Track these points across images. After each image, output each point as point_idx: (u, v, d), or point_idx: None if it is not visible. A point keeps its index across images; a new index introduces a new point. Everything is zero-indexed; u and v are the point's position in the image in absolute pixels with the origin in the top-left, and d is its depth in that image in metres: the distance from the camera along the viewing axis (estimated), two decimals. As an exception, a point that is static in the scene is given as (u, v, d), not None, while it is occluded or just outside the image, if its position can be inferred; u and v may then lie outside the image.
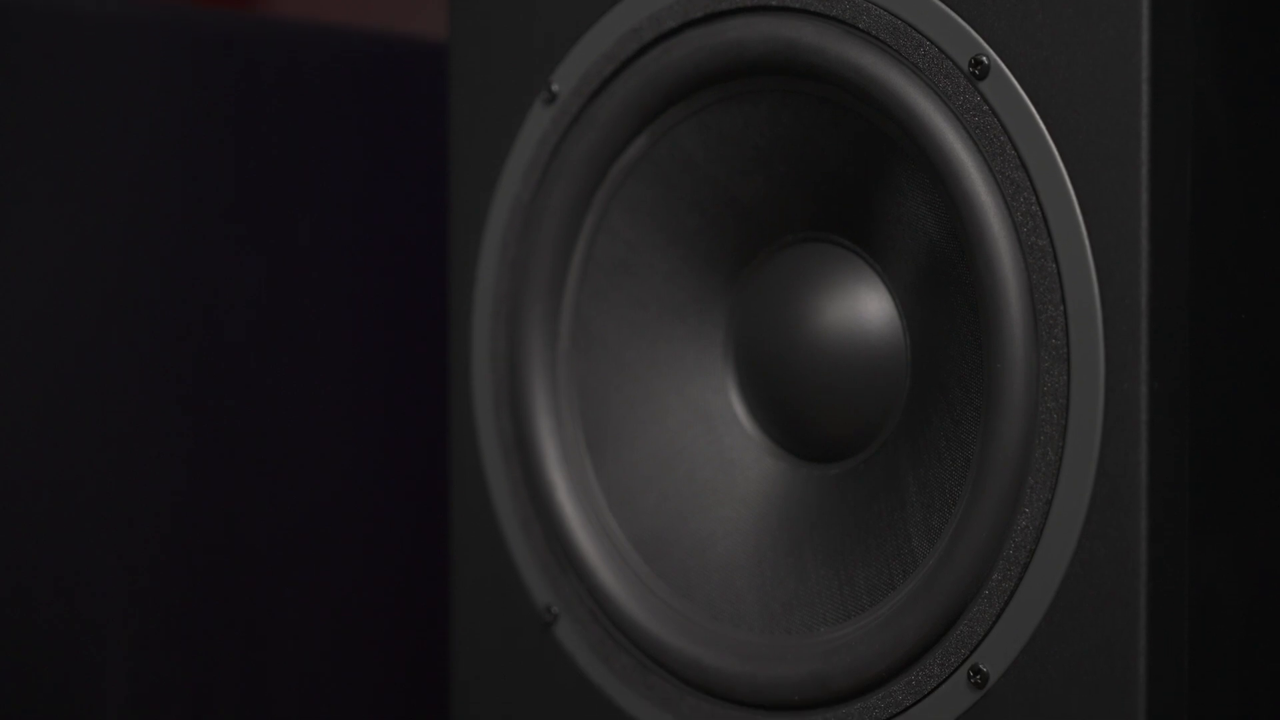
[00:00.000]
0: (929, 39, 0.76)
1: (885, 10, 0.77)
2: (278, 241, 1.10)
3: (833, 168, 0.82)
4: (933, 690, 0.78)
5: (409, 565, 1.16)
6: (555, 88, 0.87)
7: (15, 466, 1.00)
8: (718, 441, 0.86)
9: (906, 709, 0.78)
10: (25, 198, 0.99)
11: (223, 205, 1.08)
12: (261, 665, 1.09)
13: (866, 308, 0.82)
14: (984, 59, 0.75)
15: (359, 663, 1.13)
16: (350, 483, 1.13)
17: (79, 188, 1.02)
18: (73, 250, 1.01)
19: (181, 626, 1.06)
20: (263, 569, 1.10)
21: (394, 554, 1.16)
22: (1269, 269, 0.78)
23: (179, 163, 1.06)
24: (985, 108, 0.75)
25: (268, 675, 1.10)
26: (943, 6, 0.76)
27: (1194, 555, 0.74)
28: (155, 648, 1.05)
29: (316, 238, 1.12)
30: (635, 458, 0.87)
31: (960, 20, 0.76)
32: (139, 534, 1.04)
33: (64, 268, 1.01)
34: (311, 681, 1.11)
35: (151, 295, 1.05)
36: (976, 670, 0.76)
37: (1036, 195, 0.74)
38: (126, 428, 1.04)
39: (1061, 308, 0.73)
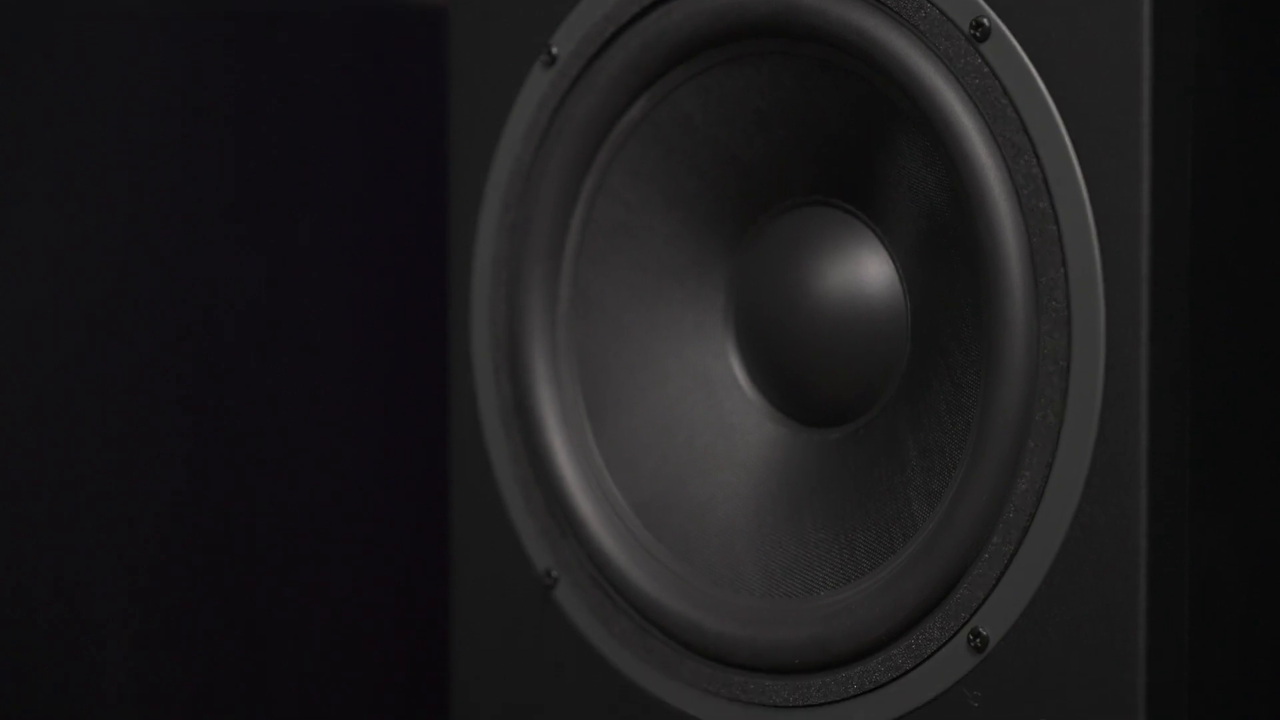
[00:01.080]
0: (930, 1, 0.76)
1: (886, -28, 0.77)
2: (277, 242, 1.10)
3: (834, 131, 0.81)
4: (932, 654, 0.77)
5: (409, 565, 1.16)
6: (555, 50, 0.87)
7: (15, 466, 1.00)
8: (718, 406, 0.86)
9: (906, 672, 0.78)
10: (24, 196, 0.99)
11: (223, 176, 1.08)
12: (261, 665, 1.10)
13: (867, 271, 0.82)
14: (985, 21, 0.74)
15: (359, 663, 1.13)
16: (350, 482, 1.13)
17: (77, 183, 1.01)
18: (70, 249, 1.01)
19: (181, 626, 1.06)
20: (263, 569, 1.10)
21: (394, 554, 1.16)
22: (1274, 238, 0.78)
23: (178, 123, 1.06)
24: (986, 70, 0.75)
25: (268, 675, 1.10)
26: (944, -32, 0.76)
27: (1194, 526, 0.74)
28: (155, 648, 1.06)
29: (317, 233, 1.12)
30: (635, 422, 0.87)
31: (961, -18, 0.75)
32: (139, 534, 1.04)
33: (62, 267, 1.01)
34: (311, 681, 1.11)
35: (151, 292, 1.05)
36: (976, 634, 0.76)
37: (1038, 158, 0.74)
38: (126, 427, 1.04)
39: (1062, 270, 0.73)
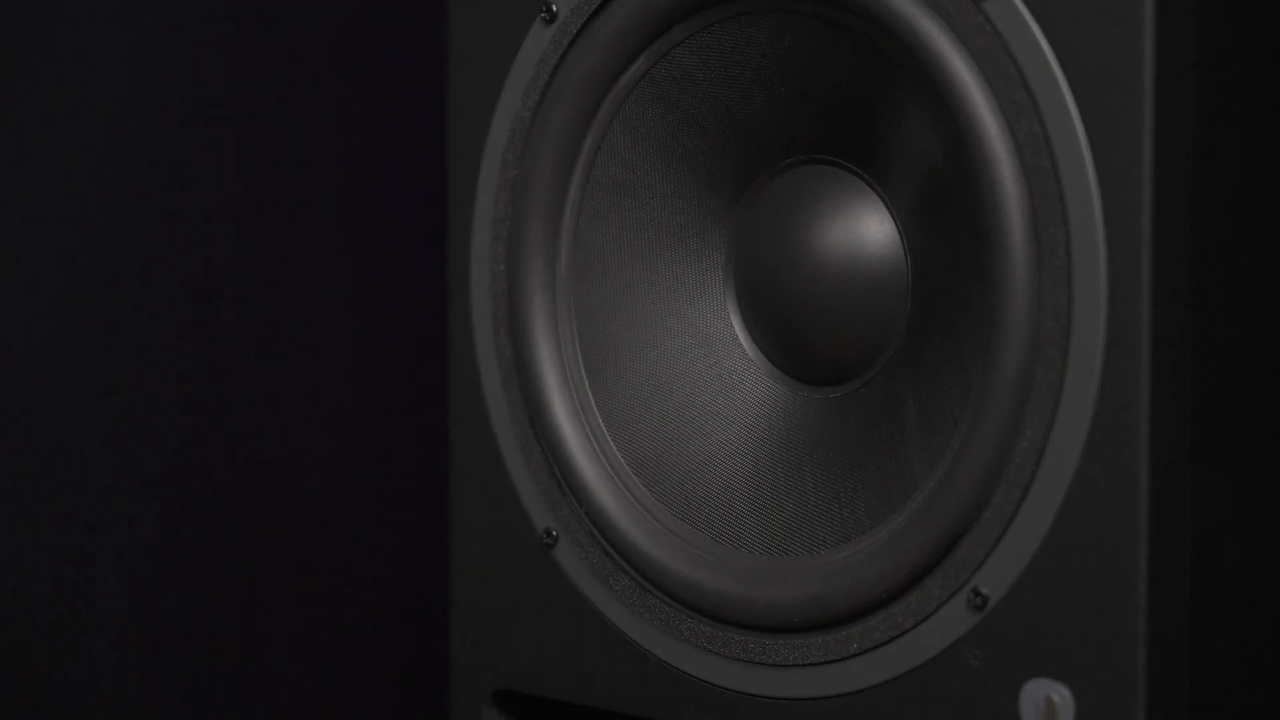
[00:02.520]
0: (932, -42, 0.76)
1: (888, -71, 0.77)
2: (277, 237, 1.10)
3: (835, 89, 0.81)
4: (933, 613, 0.77)
5: (408, 530, 1.16)
6: (555, 7, 0.86)
7: (15, 464, 1.00)
8: (718, 364, 0.86)
9: (906, 631, 0.78)
10: (18, 188, 0.99)
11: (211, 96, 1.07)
12: (261, 665, 1.10)
13: (867, 230, 0.82)
14: None
15: (359, 663, 1.14)
16: (351, 482, 1.14)
17: (71, 173, 1.01)
18: (66, 245, 1.01)
19: (181, 626, 1.07)
20: (263, 568, 1.10)
21: (394, 553, 1.16)
22: (1276, 194, 0.78)
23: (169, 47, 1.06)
24: (988, 28, 0.74)
25: (268, 675, 1.10)
26: (945, -75, 0.75)
27: (1195, 485, 0.74)
28: (155, 646, 1.06)
29: (313, 194, 1.12)
30: (635, 381, 0.87)
31: (963, -61, 0.75)
32: (138, 533, 1.05)
33: (61, 262, 1.01)
34: (311, 681, 1.11)
35: (149, 287, 1.05)
36: (977, 593, 0.76)
37: (1039, 116, 0.73)
38: (124, 424, 1.04)
39: (1064, 229, 0.73)
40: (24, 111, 0.99)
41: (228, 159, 1.08)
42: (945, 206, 0.78)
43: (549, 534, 0.88)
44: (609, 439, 0.86)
